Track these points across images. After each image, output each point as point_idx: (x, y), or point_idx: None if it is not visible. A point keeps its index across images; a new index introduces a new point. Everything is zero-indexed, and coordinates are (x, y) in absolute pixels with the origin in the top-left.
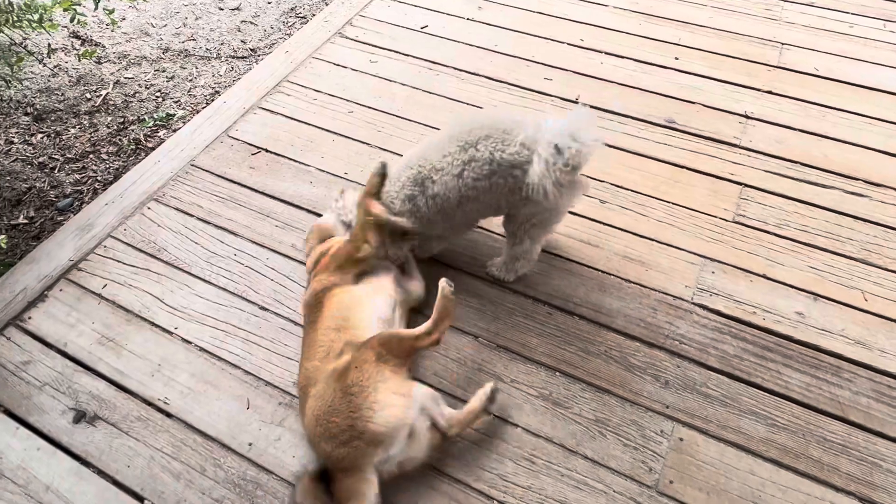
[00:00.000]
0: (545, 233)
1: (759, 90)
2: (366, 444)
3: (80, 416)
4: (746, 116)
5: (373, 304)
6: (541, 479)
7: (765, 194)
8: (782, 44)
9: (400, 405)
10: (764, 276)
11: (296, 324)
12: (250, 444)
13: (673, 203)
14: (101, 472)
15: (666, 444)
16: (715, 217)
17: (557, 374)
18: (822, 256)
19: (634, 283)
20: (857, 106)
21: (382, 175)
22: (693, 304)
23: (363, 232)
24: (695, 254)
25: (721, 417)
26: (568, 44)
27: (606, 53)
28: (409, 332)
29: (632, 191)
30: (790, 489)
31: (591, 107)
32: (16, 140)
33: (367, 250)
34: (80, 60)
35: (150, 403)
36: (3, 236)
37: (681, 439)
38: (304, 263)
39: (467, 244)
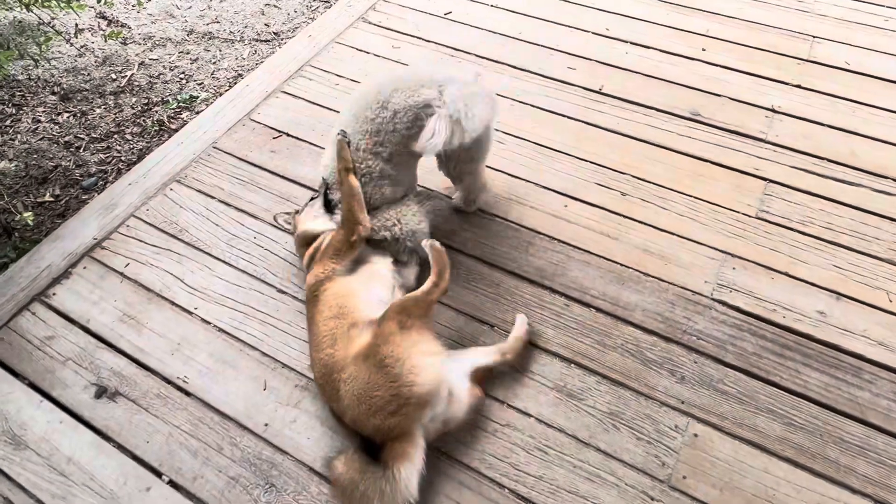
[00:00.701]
0: (478, 165)
1: (787, 84)
2: (414, 407)
3: (101, 392)
4: (773, 111)
5: (368, 289)
6: (553, 470)
7: (789, 190)
8: (813, 37)
9: (436, 364)
10: (786, 274)
11: None
12: (266, 425)
13: (695, 197)
14: (120, 447)
15: (680, 439)
16: (737, 212)
17: (573, 365)
18: (847, 255)
19: (653, 276)
20: (889, 102)
21: (349, 143)
22: (712, 299)
23: (353, 213)
24: (716, 249)
25: (737, 415)
26: (593, 33)
27: (632, 43)
28: (419, 291)
29: (653, 184)
30: (805, 489)
31: (615, 97)
32: (43, 119)
33: (361, 231)
34: (106, 41)
35: (169, 381)
36: (29, 213)
37: (695, 435)
38: None
39: (487, 234)
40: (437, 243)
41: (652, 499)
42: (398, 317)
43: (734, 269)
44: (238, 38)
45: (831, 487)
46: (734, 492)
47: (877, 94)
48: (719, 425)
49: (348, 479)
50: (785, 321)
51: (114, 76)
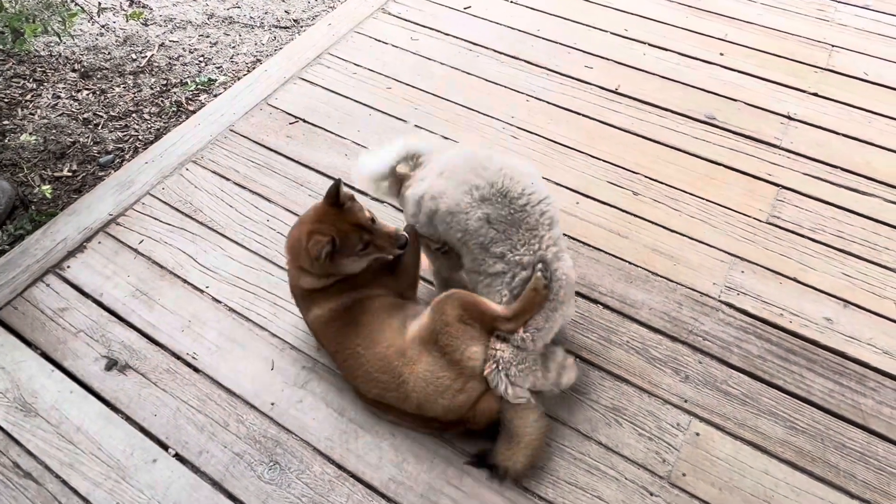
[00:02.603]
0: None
1: (804, 91)
2: (479, 382)
3: (111, 364)
4: (789, 117)
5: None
6: (553, 461)
7: (802, 197)
8: (832, 46)
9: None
10: (794, 280)
11: None
12: (272, 404)
13: (707, 200)
14: (128, 419)
15: (681, 437)
16: (749, 217)
17: (577, 359)
18: (857, 264)
19: (662, 276)
20: None
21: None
22: (720, 301)
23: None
24: (725, 252)
25: (739, 416)
26: (611, 33)
27: (650, 45)
28: (492, 306)
29: (666, 185)
30: (804, 492)
31: (631, 98)
32: (63, 95)
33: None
34: (127, 21)
35: (178, 357)
36: (47, 186)
37: (697, 434)
38: None
39: None
40: (543, 281)
41: (651, 494)
42: (462, 312)
43: (743, 272)
44: (258, 24)
45: (830, 491)
46: (733, 491)
47: (894, 105)
48: (721, 425)
49: (520, 453)
50: (791, 326)
51: (134, 56)
